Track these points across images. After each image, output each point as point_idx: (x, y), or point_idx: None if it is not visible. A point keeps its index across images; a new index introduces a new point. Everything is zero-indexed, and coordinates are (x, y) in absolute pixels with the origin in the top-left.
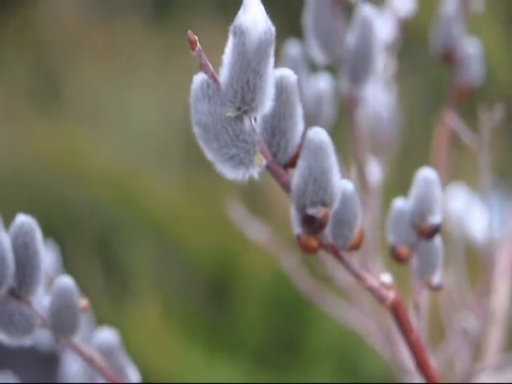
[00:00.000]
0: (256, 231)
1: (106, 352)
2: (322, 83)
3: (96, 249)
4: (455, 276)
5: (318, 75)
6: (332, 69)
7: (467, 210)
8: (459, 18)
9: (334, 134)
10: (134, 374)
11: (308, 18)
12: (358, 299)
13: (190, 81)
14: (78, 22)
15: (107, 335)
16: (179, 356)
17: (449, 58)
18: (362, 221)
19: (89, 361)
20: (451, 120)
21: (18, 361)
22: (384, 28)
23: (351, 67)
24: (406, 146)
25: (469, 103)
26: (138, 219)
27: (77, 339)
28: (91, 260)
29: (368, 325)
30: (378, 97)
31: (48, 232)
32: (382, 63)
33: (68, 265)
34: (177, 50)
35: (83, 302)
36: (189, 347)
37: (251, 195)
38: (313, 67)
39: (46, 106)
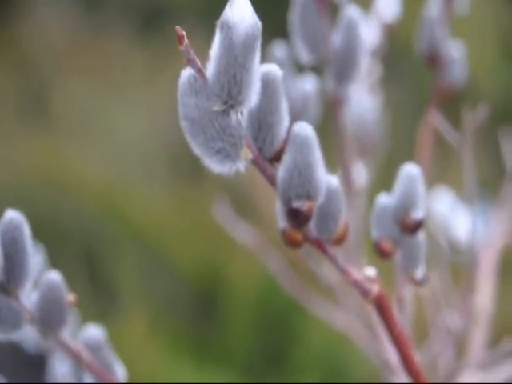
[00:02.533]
0: (242, 233)
1: (93, 348)
2: (308, 84)
3: (83, 261)
4: (440, 277)
5: (304, 76)
6: (318, 70)
7: (452, 213)
8: (443, 21)
9: (319, 134)
10: (121, 371)
11: (294, 19)
12: (344, 298)
13: (177, 94)
14: (66, 37)
15: (94, 331)
16: (166, 368)
17: (433, 61)
18: (348, 222)
19: (76, 357)
20: (435, 121)
21: (6, 363)
22: (370, 33)
23: (336, 67)
24: (392, 148)
25: (455, 110)
26: (125, 232)
27: (64, 334)
28: (78, 272)
29: (353, 324)
30: (364, 100)
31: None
32: (368, 67)
33: None
34: (164, 64)
35: (71, 297)
36: (176, 359)
37: (238, 199)
38: (299, 68)
39: (33, 119)
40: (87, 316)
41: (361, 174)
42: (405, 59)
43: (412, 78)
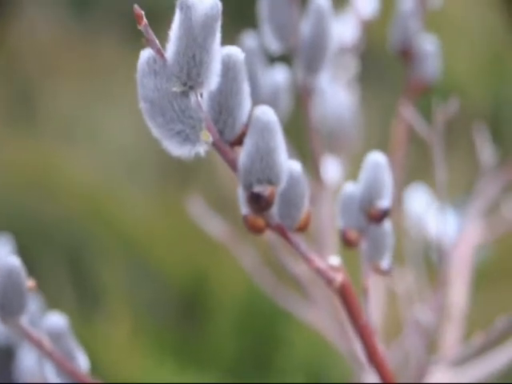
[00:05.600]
0: (216, 228)
1: (55, 336)
2: (279, 75)
3: (67, 264)
4: (414, 274)
5: (275, 67)
6: (289, 60)
7: (426, 210)
8: (416, 15)
9: (291, 126)
10: (83, 359)
11: (263, 7)
12: (315, 293)
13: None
14: (54, 39)
15: (56, 319)
16: (149, 372)
17: (406, 55)
18: (320, 216)
19: (37, 344)
20: (408, 115)
21: None
22: (347, 29)
23: (305, 56)
24: (366, 144)
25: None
26: (110, 235)
27: (24, 320)
28: (62, 275)
29: (325, 319)
30: (340, 96)
31: (19, 246)
32: (345, 64)
33: (38, 279)
34: None
35: (30, 283)
36: (159, 363)
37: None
38: (270, 59)
39: (20, 121)
40: (71, 318)
41: (333, 168)
42: (382, 56)
43: (388, 75)
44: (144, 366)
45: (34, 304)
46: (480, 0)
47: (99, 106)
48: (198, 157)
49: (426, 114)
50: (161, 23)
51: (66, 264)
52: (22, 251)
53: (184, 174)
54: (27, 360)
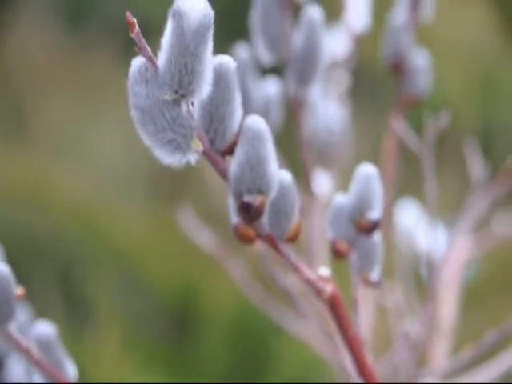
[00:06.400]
0: (206, 241)
1: (44, 345)
2: (271, 87)
3: (57, 278)
4: (404, 288)
5: (267, 79)
6: (280, 72)
7: (416, 224)
8: (408, 29)
9: (283, 139)
10: (71, 368)
11: (255, 18)
12: (304, 305)
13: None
14: (47, 53)
15: (45, 328)
16: None
17: (397, 69)
18: (311, 229)
19: (25, 352)
20: (398, 129)
21: None
22: (339, 43)
23: (297, 68)
24: (357, 158)
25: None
26: (102, 249)
27: (12, 328)
28: (52, 289)
29: (313, 331)
30: (331, 110)
31: (10, 261)
32: (336, 78)
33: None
34: None
35: (19, 290)
36: (150, 377)
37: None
38: (262, 71)
39: (11, 136)
40: (61, 332)
41: (324, 181)
42: (373, 72)
43: (380, 91)
44: (134, 380)
45: (23, 313)
46: (473, 18)
47: (91, 121)
48: (188, 170)
49: (417, 130)
50: (153, 38)
51: (56, 278)
52: (13, 265)
53: (175, 188)
54: (16, 370)
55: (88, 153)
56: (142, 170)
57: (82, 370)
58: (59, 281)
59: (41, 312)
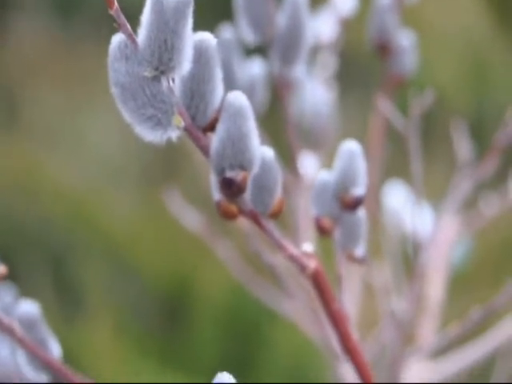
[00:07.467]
0: (193, 221)
1: (28, 324)
2: (256, 68)
3: (50, 267)
4: (391, 268)
5: (252, 59)
6: (265, 53)
7: (403, 204)
8: (394, 10)
9: (267, 120)
10: (55, 347)
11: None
12: (289, 283)
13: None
14: (39, 46)
15: (29, 307)
16: (132, 374)
17: (383, 49)
18: (297, 210)
19: (8, 332)
20: (385, 109)
21: None
22: (326, 26)
23: (281, 47)
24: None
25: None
26: (94, 238)
27: None
28: (44, 277)
29: (299, 309)
30: (318, 93)
31: (1, 248)
32: (323, 61)
33: (21, 282)
34: None
35: (2, 268)
36: (142, 365)
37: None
38: (246, 51)
39: (3, 128)
40: (53, 321)
41: (310, 162)
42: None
43: (366, 74)
44: (126, 369)
45: (8, 294)
46: (465, 6)
47: (82, 111)
48: (181, 158)
49: (404, 112)
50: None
51: (48, 267)
52: (5, 254)
53: (167, 177)
54: (1, 351)
55: (80, 142)
56: (134, 159)
57: (73, 358)
58: (51, 269)
59: (32, 299)
